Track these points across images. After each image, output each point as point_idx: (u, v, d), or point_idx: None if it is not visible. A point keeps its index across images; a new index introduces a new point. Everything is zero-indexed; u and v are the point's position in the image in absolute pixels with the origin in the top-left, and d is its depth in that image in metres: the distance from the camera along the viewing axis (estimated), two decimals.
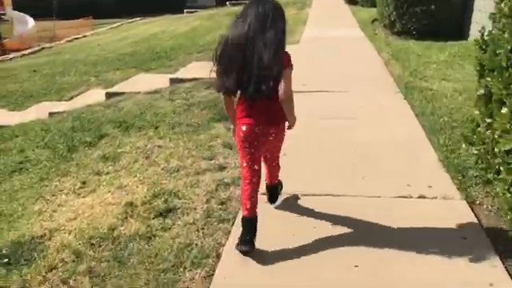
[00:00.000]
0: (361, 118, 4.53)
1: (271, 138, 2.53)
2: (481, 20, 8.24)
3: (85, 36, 19.72)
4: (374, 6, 15.76)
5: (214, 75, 2.50)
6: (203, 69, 8.16)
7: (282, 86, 2.32)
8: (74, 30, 22.45)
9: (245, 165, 2.50)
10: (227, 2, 28.53)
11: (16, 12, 22.47)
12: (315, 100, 5.20)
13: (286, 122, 2.53)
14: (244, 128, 2.45)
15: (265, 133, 2.48)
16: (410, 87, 5.39)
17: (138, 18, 26.35)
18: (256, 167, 2.50)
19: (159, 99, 6.02)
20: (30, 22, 22.22)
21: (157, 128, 4.84)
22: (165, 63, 10.46)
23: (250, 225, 2.46)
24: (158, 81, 7.73)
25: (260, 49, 2.27)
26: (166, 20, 21.90)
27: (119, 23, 23.93)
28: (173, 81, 7.20)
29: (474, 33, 8.47)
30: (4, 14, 22.42)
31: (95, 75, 10.26)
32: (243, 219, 2.49)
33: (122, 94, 7.11)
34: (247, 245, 2.40)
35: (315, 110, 4.81)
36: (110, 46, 14.86)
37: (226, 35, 2.42)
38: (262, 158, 2.64)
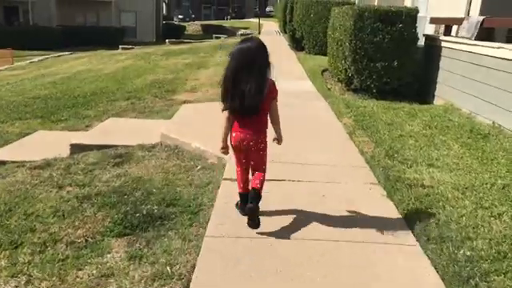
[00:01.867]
0: (333, 245, 3.00)
1: (252, 143, 3.13)
2: (447, 80, 7.26)
3: None
4: (321, 53, 14.94)
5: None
6: (120, 129, 6.32)
7: (272, 115, 3.21)
8: None
9: (237, 161, 3.33)
10: (167, 40, 27.07)
11: None
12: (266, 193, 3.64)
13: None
14: (234, 134, 3.15)
15: (251, 139, 3.13)
16: (393, 179, 3.98)
17: (67, 52, 24.13)
18: (244, 161, 3.26)
19: (43, 183, 4.20)
20: None
21: (17, 248, 3.03)
22: (80, 113, 8.58)
23: (245, 197, 3.21)
24: (58, 142, 5.90)
25: (247, 81, 2.95)
26: (96, 56, 19.95)
27: (44, 57, 21.59)
28: (75, 147, 5.40)
29: (440, 94, 7.46)
30: None
31: None
32: (240, 194, 3.36)
33: (3, 163, 5.22)
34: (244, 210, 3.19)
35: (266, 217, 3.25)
36: (21, 85, 12.67)
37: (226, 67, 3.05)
38: (250, 168, 3.30)
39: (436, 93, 7.59)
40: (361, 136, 5.38)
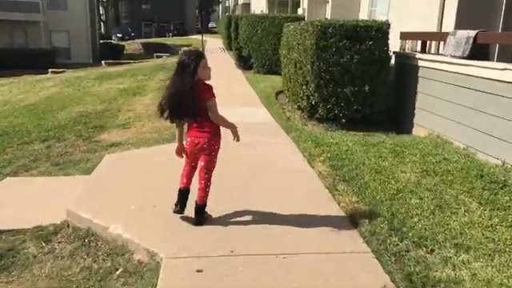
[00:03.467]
0: None
1: (201, 145, 3.29)
2: (428, 106, 6.14)
3: None
4: (271, 72, 13.73)
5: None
6: (16, 197, 4.32)
7: (211, 114, 3.27)
8: None
9: (185, 161, 3.45)
10: (102, 62, 24.95)
11: None
12: None
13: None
14: (188, 139, 3.35)
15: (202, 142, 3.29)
16: (418, 280, 2.63)
17: None
18: (193, 164, 3.42)
19: None
20: None
21: None
22: None
23: (184, 194, 3.41)
24: None
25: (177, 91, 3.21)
26: (19, 83, 17.65)
27: None
28: None
29: (420, 122, 6.32)
30: None
31: None
32: (179, 190, 3.41)
33: None
34: (181, 208, 3.40)
35: None
36: None
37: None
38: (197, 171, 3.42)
39: (415, 120, 6.46)
40: (346, 193, 4.03)
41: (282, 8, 23.40)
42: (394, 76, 6.94)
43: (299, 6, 18.04)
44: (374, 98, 6.48)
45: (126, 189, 4.10)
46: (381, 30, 6.26)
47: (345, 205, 3.81)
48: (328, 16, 11.64)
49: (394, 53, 7.04)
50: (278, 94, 10.29)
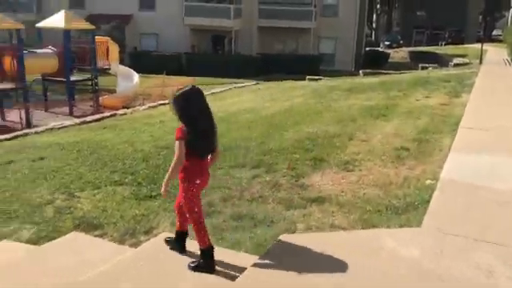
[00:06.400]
0: None
1: None
2: None
3: None
4: None
5: None
6: None
7: None
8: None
9: (196, 210, 3.22)
10: (360, 71, 23.54)
11: (122, 67, 20.82)
12: None
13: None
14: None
15: None
16: None
17: (253, 82, 22.97)
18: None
19: None
20: (135, 78, 20.32)
21: None
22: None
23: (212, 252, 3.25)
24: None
25: None
26: (274, 89, 17.86)
27: (227, 87, 20.68)
28: None
29: None
30: (109, 69, 20.85)
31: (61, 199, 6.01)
32: (208, 250, 3.21)
33: None
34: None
35: None
36: (165, 127, 10.97)
37: None
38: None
39: None
40: None
41: None
42: None
43: None
44: None
45: None
46: None
47: None
48: None
49: None
50: None
